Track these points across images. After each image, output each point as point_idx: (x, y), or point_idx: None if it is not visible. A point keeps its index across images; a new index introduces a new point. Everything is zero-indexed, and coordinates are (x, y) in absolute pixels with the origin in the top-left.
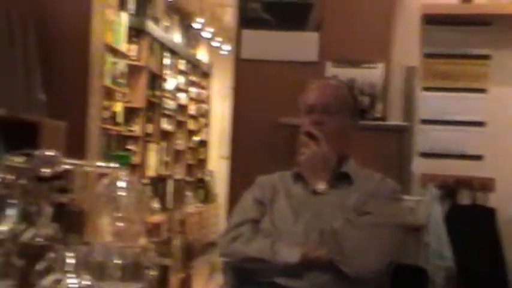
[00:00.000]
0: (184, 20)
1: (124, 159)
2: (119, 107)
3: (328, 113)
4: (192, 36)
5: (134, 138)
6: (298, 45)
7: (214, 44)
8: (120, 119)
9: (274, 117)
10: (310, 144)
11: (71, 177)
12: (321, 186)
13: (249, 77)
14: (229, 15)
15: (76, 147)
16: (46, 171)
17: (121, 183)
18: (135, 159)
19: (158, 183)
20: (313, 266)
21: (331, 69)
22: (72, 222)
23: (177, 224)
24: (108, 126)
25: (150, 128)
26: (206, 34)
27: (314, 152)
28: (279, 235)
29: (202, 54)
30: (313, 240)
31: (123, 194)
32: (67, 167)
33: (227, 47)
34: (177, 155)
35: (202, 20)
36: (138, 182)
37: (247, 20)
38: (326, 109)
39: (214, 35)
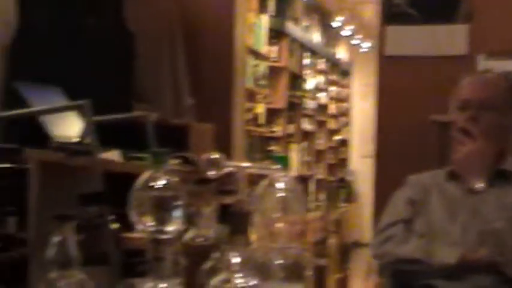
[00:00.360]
0: (324, 19)
1: (284, 161)
2: (260, 109)
3: (484, 108)
4: (331, 35)
5: (276, 139)
6: (447, 38)
7: (354, 41)
8: (262, 120)
9: (422, 114)
10: (466, 142)
11: (235, 179)
12: (479, 184)
13: (393, 73)
14: (370, 12)
15: (222, 149)
16: (212, 173)
17: (280, 185)
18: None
19: (300, 183)
20: (472, 268)
21: (483, 62)
22: (237, 223)
23: (331, 224)
24: (251, 128)
25: (291, 129)
26: (346, 32)
27: (470, 150)
28: (434, 236)
29: (341, 53)
30: (472, 241)
31: (283, 195)
32: (230, 169)
33: (367, 44)
34: (318, 154)
35: (341, 18)
36: (296, 183)
37: (391, 16)
38: (482, 104)
39: (354, 32)
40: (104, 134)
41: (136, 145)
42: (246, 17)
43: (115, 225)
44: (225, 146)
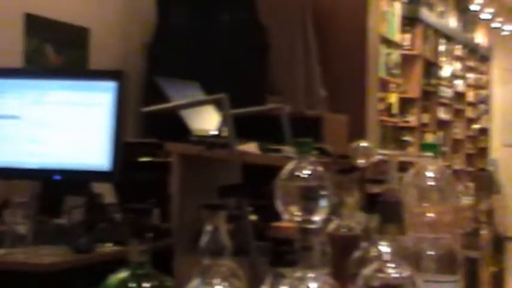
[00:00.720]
0: (461, 3)
1: (435, 149)
2: (393, 98)
3: None
4: (469, 19)
5: (410, 129)
6: None
7: (494, 25)
8: (395, 110)
9: None
10: None
11: (384, 168)
12: None
13: None
14: None
15: (356, 140)
16: (362, 162)
17: (430, 173)
18: (412, 151)
19: None
20: None
21: None
22: (388, 213)
23: (482, 215)
24: (384, 118)
25: (426, 118)
26: (485, 15)
27: None
28: None
29: (480, 38)
30: None
31: (433, 183)
32: (381, 157)
33: (510, 27)
34: (455, 144)
35: (480, 1)
36: (446, 172)
37: None
38: None
39: (494, 15)
40: (239, 127)
41: (271, 137)
42: (379, 5)
43: (253, 217)
44: (358, 136)
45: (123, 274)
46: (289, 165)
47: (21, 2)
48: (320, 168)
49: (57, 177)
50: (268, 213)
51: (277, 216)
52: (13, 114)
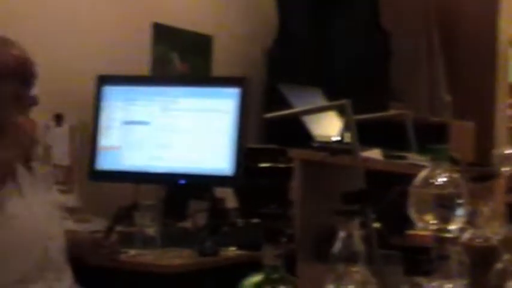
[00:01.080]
0: None
1: None
2: None
3: None
4: None
5: None
6: None
7: None
8: None
9: None
10: None
11: None
12: None
13: None
14: None
15: (483, 148)
16: (506, 169)
17: None
18: None
19: None
20: None
21: None
22: None
23: None
24: None
25: None
26: None
27: None
28: None
29: None
30: None
31: None
32: None
33: None
34: None
35: None
36: None
37: None
38: None
39: None
40: (361, 133)
41: (393, 144)
42: (510, 6)
43: (377, 224)
44: (485, 144)
45: (257, 278)
46: (424, 173)
47: (149, 12)
48: (456, 176)
49: (182, 182)
50: (392, 220)
51: (401, 224)
52: (143, 120)
